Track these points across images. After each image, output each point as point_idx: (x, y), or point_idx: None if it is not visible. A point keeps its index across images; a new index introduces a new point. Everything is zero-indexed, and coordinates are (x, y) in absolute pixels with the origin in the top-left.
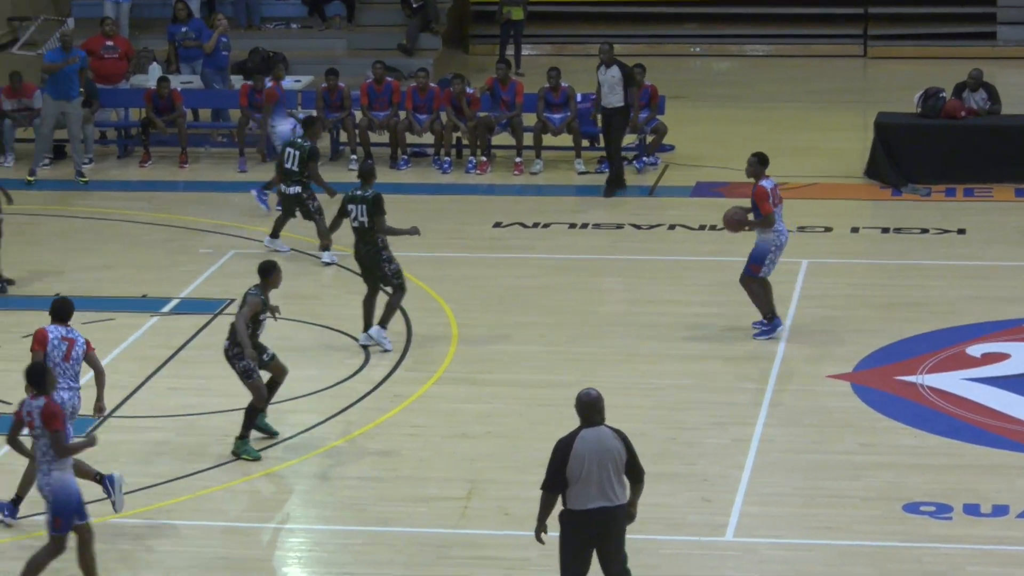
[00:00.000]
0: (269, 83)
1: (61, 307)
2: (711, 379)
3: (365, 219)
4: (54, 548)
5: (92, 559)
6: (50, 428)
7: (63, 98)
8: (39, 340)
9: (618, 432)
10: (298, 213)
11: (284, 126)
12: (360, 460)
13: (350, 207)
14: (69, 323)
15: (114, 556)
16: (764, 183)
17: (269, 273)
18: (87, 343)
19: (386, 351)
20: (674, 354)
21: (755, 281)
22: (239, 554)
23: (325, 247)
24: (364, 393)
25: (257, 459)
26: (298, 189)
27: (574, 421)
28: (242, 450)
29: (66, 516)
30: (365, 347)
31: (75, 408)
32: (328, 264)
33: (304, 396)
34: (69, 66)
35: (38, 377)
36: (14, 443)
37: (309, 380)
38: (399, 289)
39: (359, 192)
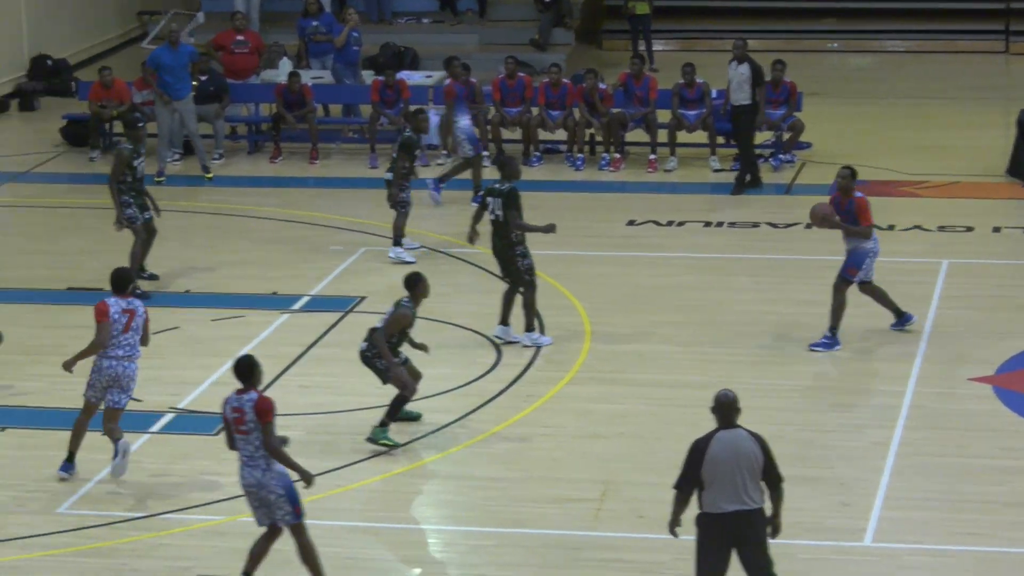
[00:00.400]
0: (448, 80)
1: (119, 278)
2: (848, 381)
3: (500, 213)
4: (306, 535)
5: (264, 552)
6: (263, 421)
7: (174, 97)
8: (101, 312)
9: (756, 436)
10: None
11: (465, 121)
12: (492, 460)
13: (488, 200)
14: (128, 294)
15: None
16: (860, 195)
17: (415, 285)
18: (147, 314)
19: (542, 346)
20: (809, 356)
21: (847, 285)
22: (369, 554)
23: (397, 241)
24: (496, 392)
25: (395, 446)
26: (390, 176)
27: (708, 422)
28: (380, 437)
29: (300, 501)
30: (499, 341)
31: (123, 377)
32: (393, 259)
33: (436, 395)
34: (177, 64)
35: (244, 372)
36: (233, 446)
37: (441, 379)
38: (528, 287)
39: (496, 185)
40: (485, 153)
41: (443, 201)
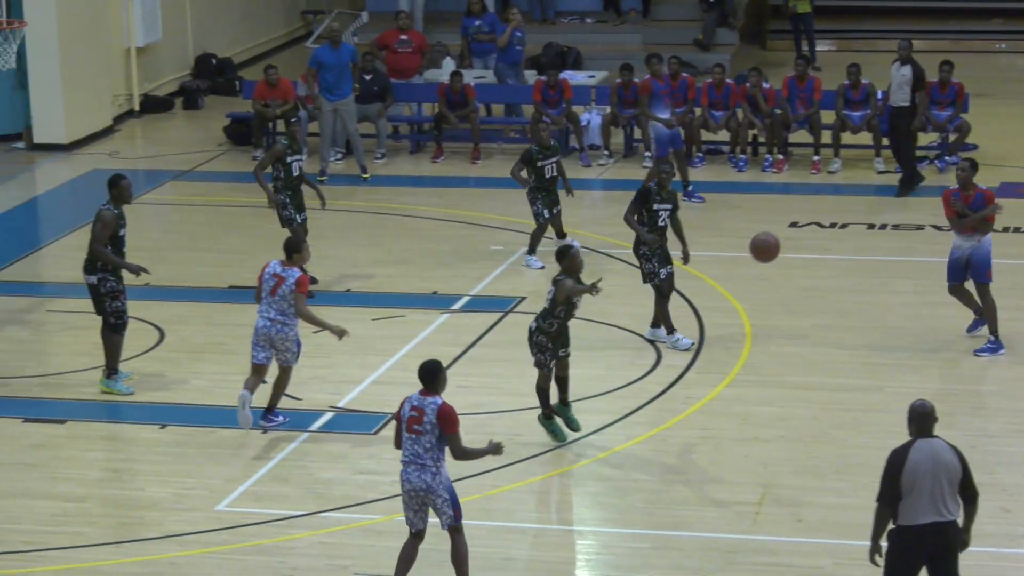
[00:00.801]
0: (646, 76)
1: (288, 244)
2: (1012, 385)
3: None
4: (462, 537)
5: (414, 556)
6: (448, 431)
7: (335, 98)
8: (260, 274)
9: (954, 447)
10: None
11: (665, 117)
12: (650, 462)
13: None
14: (290, 262)
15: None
16: (987, 187)
17: (564, 257)
18: (300, 284)
19: (684, 349)
20: (973, 360)
21: (987, 287)
22: (527, 555)
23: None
24: (655, 394)
25: (562, 441)
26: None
27: (871, 427)
28: (548, 428)
29: (460, 504)
30: (651, 342)
31: (277, 340)
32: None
33: (594, 396)
34: (339, 65)
35: (430, 376)
36: (399, 445)
37: (600, 380)
38: (655, 289)
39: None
40: (647, 154)
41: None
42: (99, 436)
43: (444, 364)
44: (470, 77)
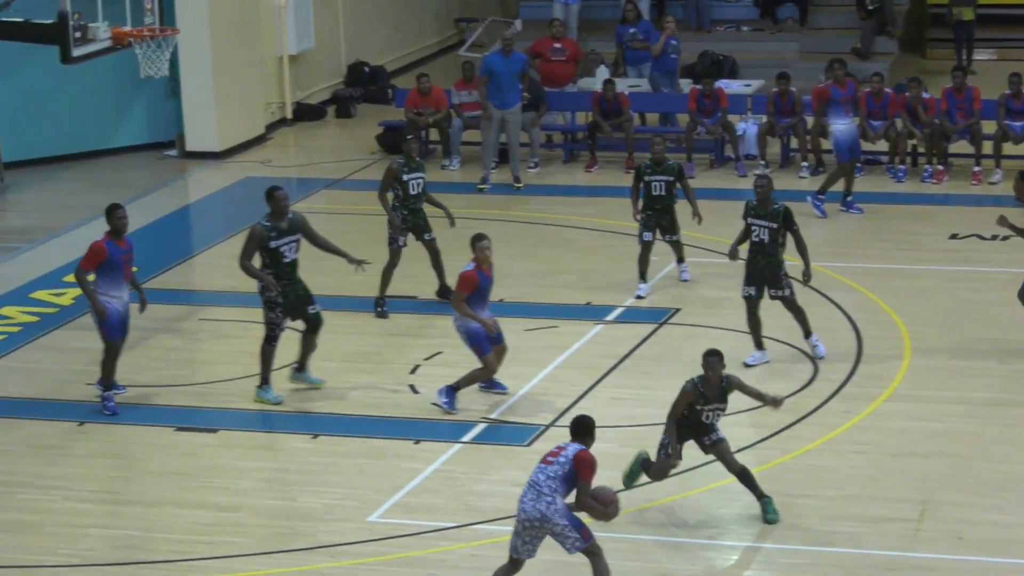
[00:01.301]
0: (825, 81)
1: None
2: None
3: (765, 236)
4: (600, 555)
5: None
6: (582, 476)
7: (503, 106)
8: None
9: None
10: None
11: (840, 125)
12: (806, 477)
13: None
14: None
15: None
16: None
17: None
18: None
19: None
20: None
21: None
22: (684, 570)
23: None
24: (813, 408)
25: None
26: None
27: None
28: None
29: (584, 525)
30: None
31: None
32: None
33: (750, 410)
34: (508, 73)
35: (581, 429)
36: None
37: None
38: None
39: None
40: (804, 164)
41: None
42: (251, 445)
43: (598, 376)
44: (624, 85)
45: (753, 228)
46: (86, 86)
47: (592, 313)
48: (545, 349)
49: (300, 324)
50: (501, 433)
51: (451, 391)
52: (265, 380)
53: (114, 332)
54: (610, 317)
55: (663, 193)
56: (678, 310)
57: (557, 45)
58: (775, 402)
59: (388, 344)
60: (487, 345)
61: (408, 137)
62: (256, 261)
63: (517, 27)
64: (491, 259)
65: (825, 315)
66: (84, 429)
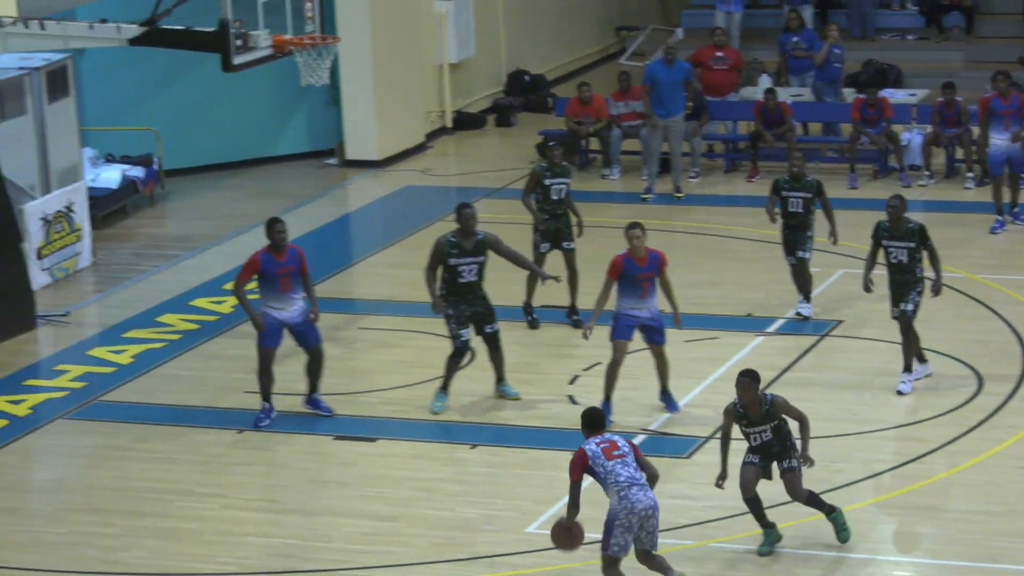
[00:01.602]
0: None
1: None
2: None
3: (904, 257)
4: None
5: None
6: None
7: (666, 115)
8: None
9: None
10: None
11: (997, 139)
12: (971, 492)
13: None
14: None
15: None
16: None
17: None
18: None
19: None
20: None
21: None
22: None
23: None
24: (978, 422)
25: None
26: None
27: None
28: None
29: None
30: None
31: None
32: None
33: (914, 423)
34: (672, 83)
35: (599, 422)
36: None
37: (922, 408)
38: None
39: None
40: (970, 175)
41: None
42: (409, 455)
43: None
44: (786, 95)
45: (890, 250)
46: (247, 94)
47: (753, 325)
48: (705, 361)
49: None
50: (661, 445)
51: (666, 394)
52: (443, 387)
53: (265, 339)
54: (771, 329)
55: (800, 210)
56: (840, 322)
57: (719, 54)
58: (806, 460)
59: (545, 354)
60: (617, 331)
61: (550, 144)
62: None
63: (678, 35)
64: (644, 248)
65: (990, 328)
66: (243, 438)
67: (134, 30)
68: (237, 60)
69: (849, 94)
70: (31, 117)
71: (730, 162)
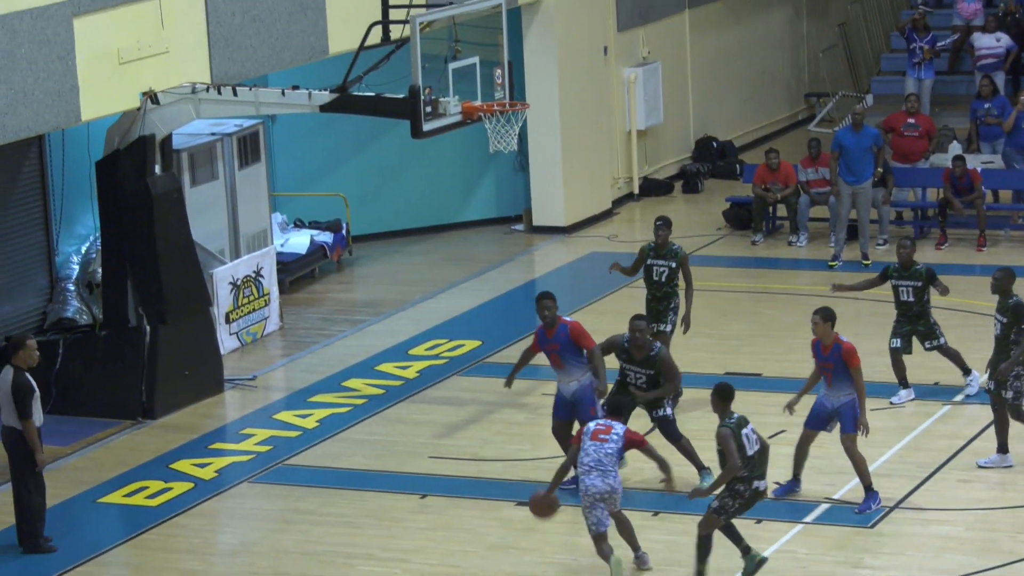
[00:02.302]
0: None
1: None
2: None
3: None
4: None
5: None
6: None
7: (854, 181)
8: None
9: None
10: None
11: None
12: None
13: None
14: None
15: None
16: None
17: None
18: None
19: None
20: None
21: None
22: None
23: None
24: None
25: None
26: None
27: None
28: None
29: None
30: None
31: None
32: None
33: None
34: (860, 149)
35: (618, 409)
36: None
37: None
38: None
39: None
40: None
41: None
42: None
43: (945, 457)
44: (977, 162)
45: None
46: (435, 160)
47: (940, 393)
48: (891, 430)
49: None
50: (844, 514)
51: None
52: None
53: (555, 411)
54: (958, 398)
55: (910, 299)
56: None
57: (911, 120)
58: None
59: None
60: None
61: (658, 223)
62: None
63: (868, 102)
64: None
65: None
66: (426, 503)
67: (325, 96)
68: (427, 127)
69: None
70: (222, 182)
71: (919, 229)
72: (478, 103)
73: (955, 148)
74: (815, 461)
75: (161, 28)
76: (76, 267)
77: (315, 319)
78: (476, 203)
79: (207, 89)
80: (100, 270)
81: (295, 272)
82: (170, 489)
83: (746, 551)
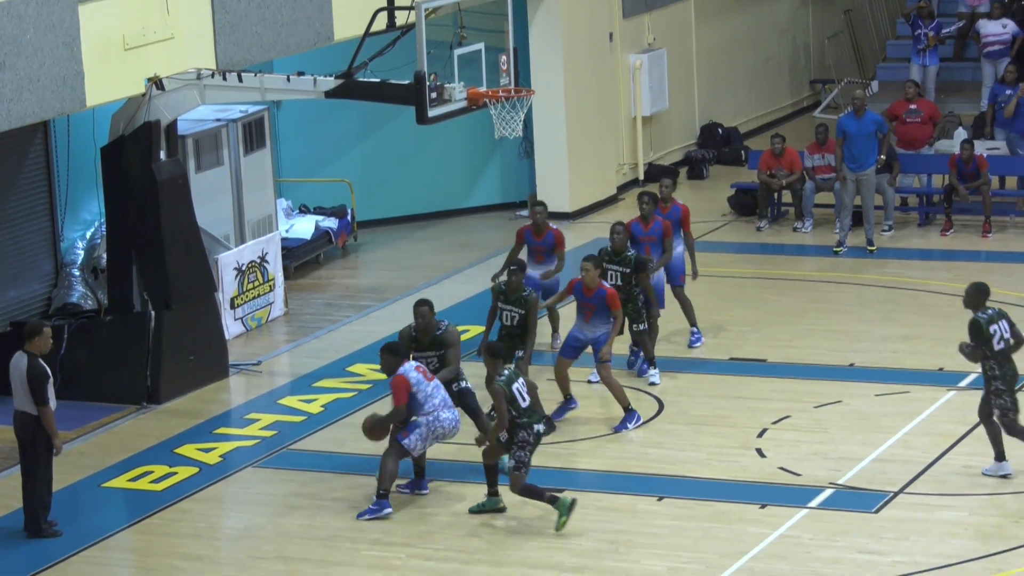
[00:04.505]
0: None
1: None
2: None
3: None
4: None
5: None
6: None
7: (858, 168)
8: None
9: None
10: None
11: None
12: None
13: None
14: None
15: None
16: None
17: None
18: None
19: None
20: None
21: None
22: None
23: None
24: None
25: None
26: None
27: None
28: None
29: None
30: None
31: None
32: None
33: None
34: (862, 135)
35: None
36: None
37: None
38: None
39: None
40: None
41: None
42: (596, 506)
43: (949, 443)
44: (982, 148)
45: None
46: (440, 146)
47: (945, 379)
48: (896, 415)
49: None
50: (849, 499)
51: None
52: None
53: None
54: (963, 383)
55: (619, 283)
56: None
57: (913, 107)
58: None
59: (737, 407)
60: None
61: (512, 267)
62: None
63: (874, 88)
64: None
65: None
66: (433, 487)
67: (330, 83)
68: (432, 113)
69: None
70: (227, 168)
71: (924, 215)
72: (483, 89)
73: (960, 134)
74: (819, 446)
75: (166, 14)
76: (81, 252)
77: (320, 305)
78: (481, 189)
79: (212, 75)
80: (105, 256)
81: (300, 258)
82: (175, 474)
83: (495, 494)
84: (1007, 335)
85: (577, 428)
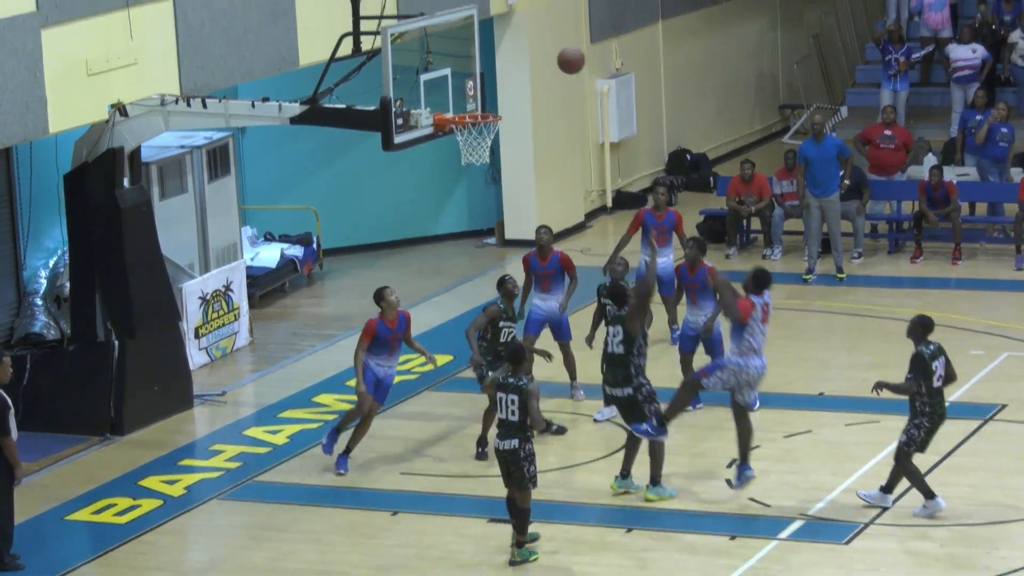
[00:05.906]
0: None
1: (761, 277)
2: None
3: None
4: None
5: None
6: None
7: (821, 194)
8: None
9: None
10: None
11: None
12: None
13: None
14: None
15: None
16: None
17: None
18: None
19: None
20: None
21: None
22: None
23: None
24: None
25: None
26: None
27: None
28: None
29: None
30: None
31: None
32: None
33: None
34: (823, 160)
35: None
36: None
37: None
38: None
39: None
40: None
41: None
42: (568, 539)
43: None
44: (952, 174)
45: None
46: (406, 173)
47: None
48: (865, 445)
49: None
50: (819, 530)
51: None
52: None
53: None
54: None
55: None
56: (1005, 406)
57: (887, 132)
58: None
59: (703, 437)
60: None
61: (505, 279)
62: None
63: (843, 113)
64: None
65: None
66: (398, 519)
67: (295, 109)
68: (398, 139)
69: (1016, 174)
70: (191, 195)
71: (893, 242)
72: (450, 115)
73: (929, 160)
74: (789, 477)
75: (130, 39)
76: (44, 281)
77: (285, 334)
78: (448, 216)
79: (176, 101)
80: (68, 284)
81: (265, 286)
82: (139, 506)
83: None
84: (942, 372)
85: (546, 458)
